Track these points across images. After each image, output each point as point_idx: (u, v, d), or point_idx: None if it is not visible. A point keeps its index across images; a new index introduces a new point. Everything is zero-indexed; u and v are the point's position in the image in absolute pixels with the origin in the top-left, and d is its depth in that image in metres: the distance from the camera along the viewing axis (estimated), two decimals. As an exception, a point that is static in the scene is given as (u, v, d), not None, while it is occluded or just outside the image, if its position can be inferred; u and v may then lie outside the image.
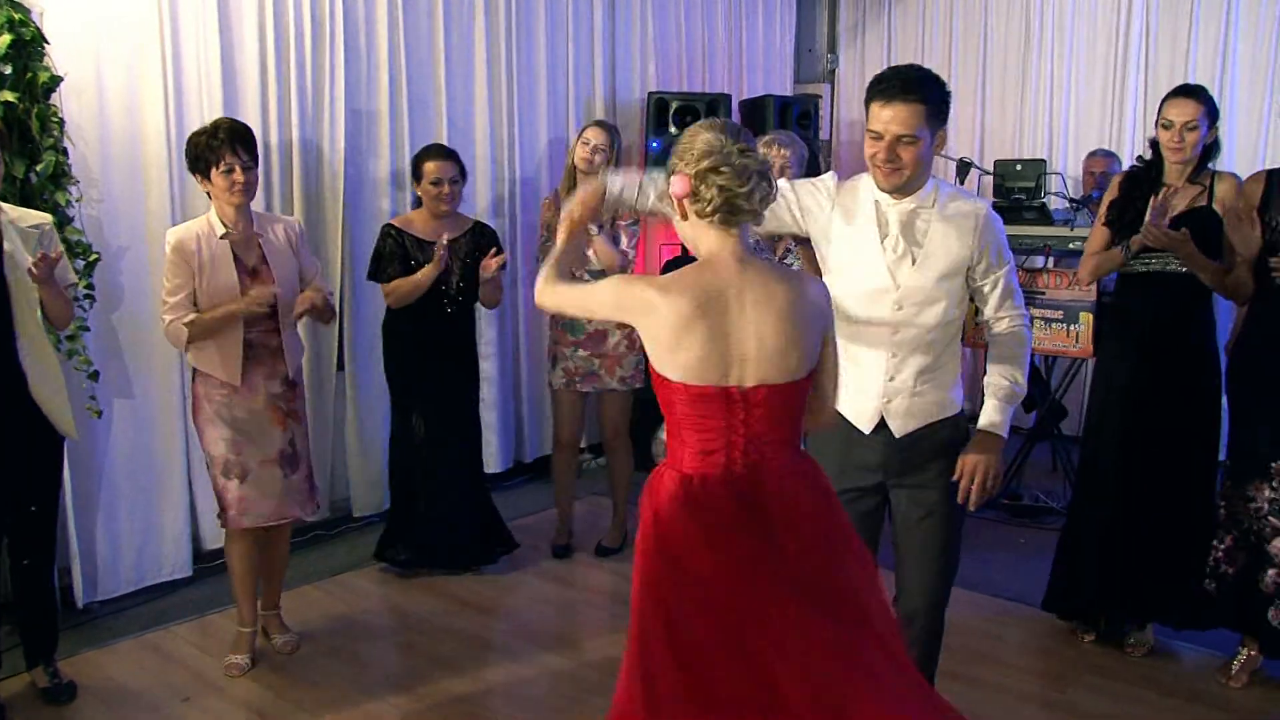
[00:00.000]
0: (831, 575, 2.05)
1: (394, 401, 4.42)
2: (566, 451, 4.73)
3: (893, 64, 7.28)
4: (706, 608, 1.98)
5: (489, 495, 4.58)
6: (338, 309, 4.81)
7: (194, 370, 3.50)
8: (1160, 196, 3.46)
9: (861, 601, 2.06)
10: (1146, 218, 3.42)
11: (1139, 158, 3.70)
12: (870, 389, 2.63)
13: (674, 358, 2.03)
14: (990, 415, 2.65)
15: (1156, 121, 3.52)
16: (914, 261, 2.57)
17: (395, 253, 4.16)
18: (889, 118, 2.45)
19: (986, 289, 2.65)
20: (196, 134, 3.43)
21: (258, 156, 3.49)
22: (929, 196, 2.59)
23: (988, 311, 2.70)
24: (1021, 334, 2.69)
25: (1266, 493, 3.37)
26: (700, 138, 2.06)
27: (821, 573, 2.03)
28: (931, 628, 2.82)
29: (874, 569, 2.19)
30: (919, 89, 2.46)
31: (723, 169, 2.01)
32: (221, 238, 3.42)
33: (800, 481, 2.10)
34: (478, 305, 4.37)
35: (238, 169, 3.37)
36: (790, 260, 4.18)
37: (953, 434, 2.69)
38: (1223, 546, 3.47)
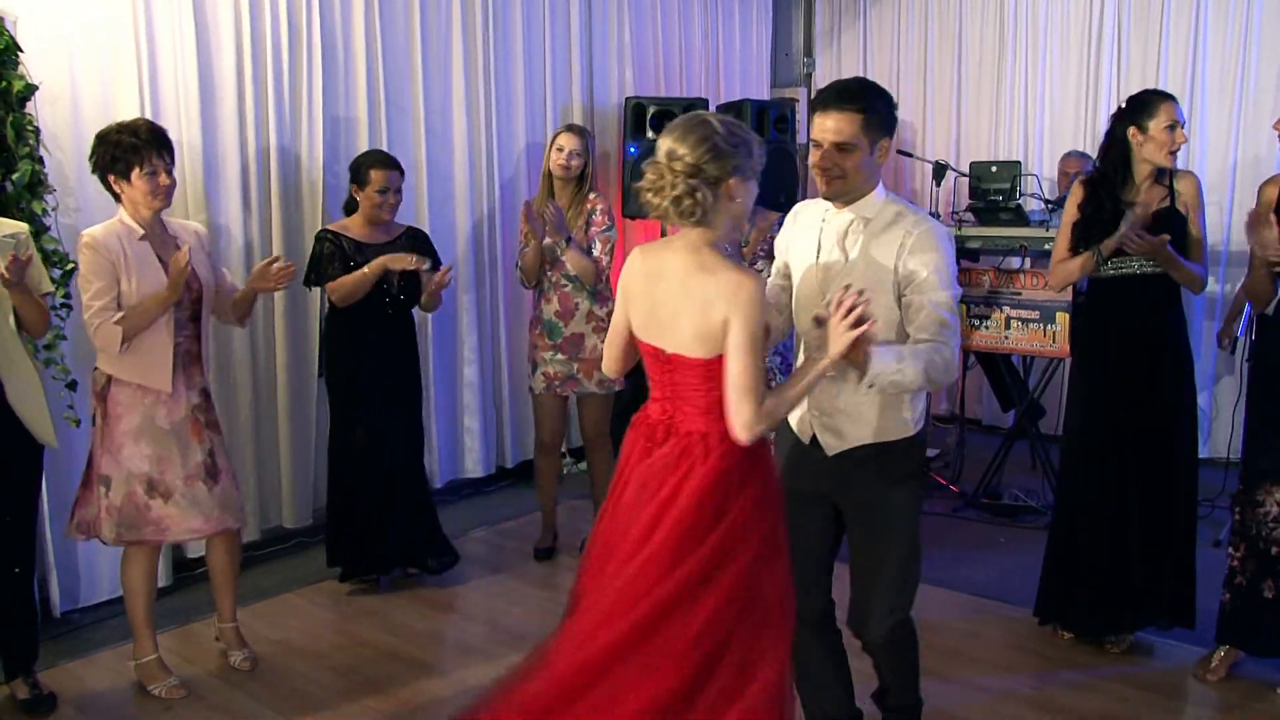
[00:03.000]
0: (626, 553, 2.26)
1: (334, 409, 4.30)
2: (549, 454, 4.74)
3: (869, 67, 7.43)
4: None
5: (432, 503, 4.51)
6: (316, 314, 4.82)
7: (106, 381, 3.32)
8: (1137, 212, 3.42)
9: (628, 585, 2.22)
10: (1122, 229, 3.41)
11: (1096, 163, 3.71)
12: (805, 402, 2.60)
13: (632, 312, 2.40)
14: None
15: (1146, 125, 3.45)
16: (840, 274, 2.54)
17: (334, 254, 4.11)
18: (828, 126, 2.48)
19: (912, 309, 2.49)
20: (114, 132, 3.28)
21: (174, 160, 3.40)
22: (871, 208, 2.55)
23: (911, 331, 2.50)
24: (941, 348, 2.43)
25: (1278, 495, 3.36)
26: None
27: (621, 539, 2.29)
28: (891, 653, 2.78)
29: (675, 565, 2.20)
30: (857, 99, 2.48)
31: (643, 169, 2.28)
32: (141, 239, 3.32)
33: (681, 451, 2.28)
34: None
35: (162, 171, 3.29)
36: (760, 268, 4.24)
37: (899, 457, 2.62)
38: (1238, 555, 3.46)
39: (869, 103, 2.48)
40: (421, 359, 4.53)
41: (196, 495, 3.39)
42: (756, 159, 2.28)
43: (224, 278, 3.63)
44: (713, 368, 2.24)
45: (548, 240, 4.41)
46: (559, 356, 4.51)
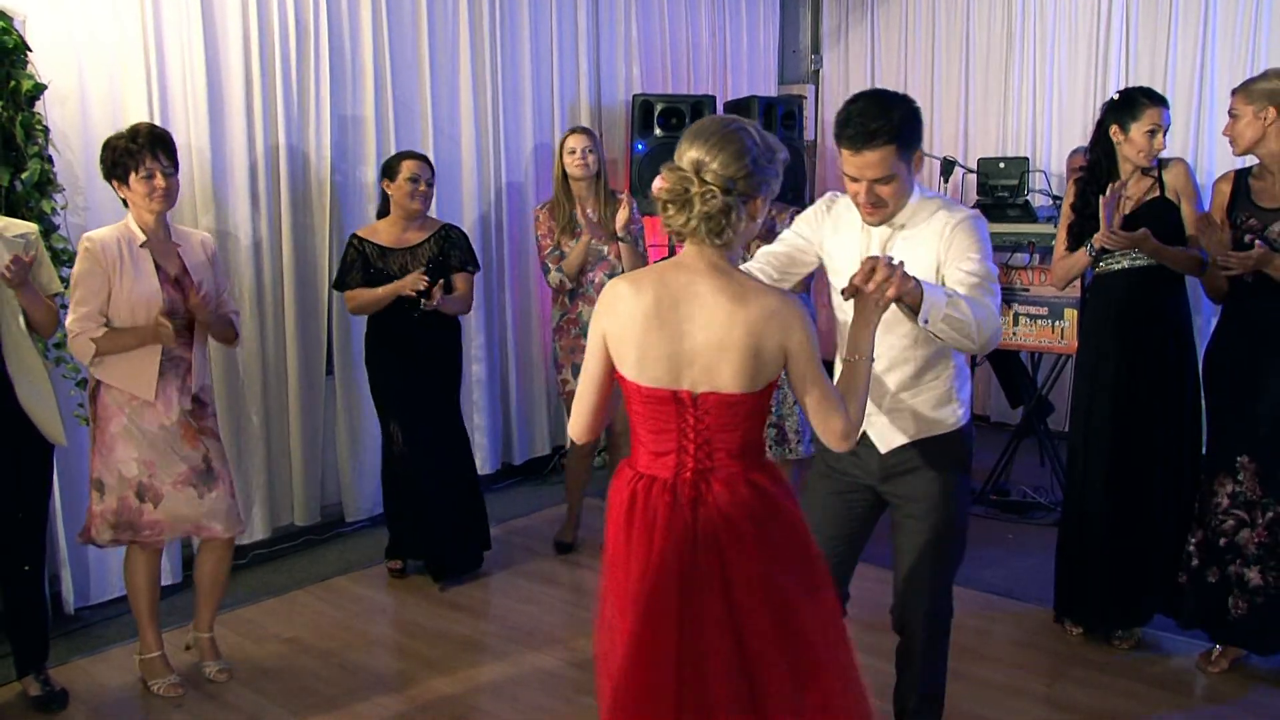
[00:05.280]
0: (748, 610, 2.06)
1: (377, 410, 4.41)
2: (588, 453, 4.79)
3: (876, 64, 7.39)
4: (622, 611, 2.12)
5: (482, 500, 4.56)
6: (325, 314, 4.83)
7: (96, 384, 3.32)
8: (1108, 192, 3.45)
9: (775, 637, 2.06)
10: (1101, 216, 3.44)
11: (1086, 154, 3.72)
12: None
13: (631, 354, 2.07)
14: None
15: (1128, 125, 3.49)
16: None
17: (356, 261, 4.18)
18: (861, 164, 2.40)
19: (949, 282, 2.46)
20: (114, 138, 3.30)
21: (178, 163, 3.38)
22: (909, 214, 2.52)
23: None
24: (983, 295, 2.40)
25: (1230, 487, 3.40)
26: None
27: (742, 602, 2.05)
28: (924, 636, 2.74)
29: (815, 606, 2.13)
30: (885, 133, 2.36)
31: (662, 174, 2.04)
32: (142, 246, 3.31)
33: (748, 497, 2.08)
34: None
35: (158, 174, 3.27)
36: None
37: (946, 450, 2.62)
38: (1194, 540, 3.51)
39: (896, 130, 2.37)
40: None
41: (185, 499, 3.36)
42: (781, 177, 2.10)
43: (224, 293, 3.54)
44: (756, 403, 2.06)
45: (592, 240, 4.46)
46: None
